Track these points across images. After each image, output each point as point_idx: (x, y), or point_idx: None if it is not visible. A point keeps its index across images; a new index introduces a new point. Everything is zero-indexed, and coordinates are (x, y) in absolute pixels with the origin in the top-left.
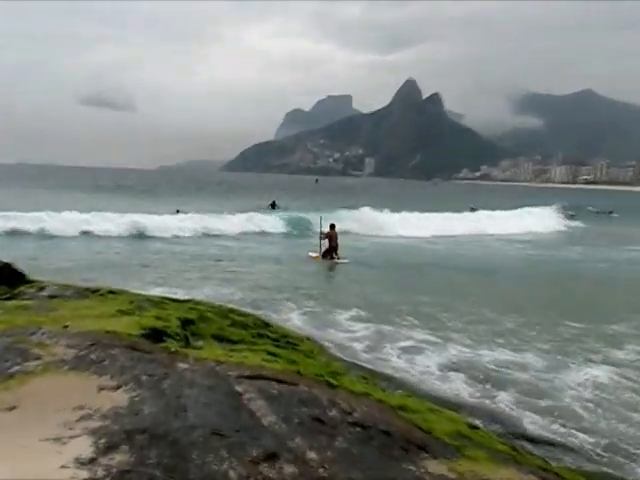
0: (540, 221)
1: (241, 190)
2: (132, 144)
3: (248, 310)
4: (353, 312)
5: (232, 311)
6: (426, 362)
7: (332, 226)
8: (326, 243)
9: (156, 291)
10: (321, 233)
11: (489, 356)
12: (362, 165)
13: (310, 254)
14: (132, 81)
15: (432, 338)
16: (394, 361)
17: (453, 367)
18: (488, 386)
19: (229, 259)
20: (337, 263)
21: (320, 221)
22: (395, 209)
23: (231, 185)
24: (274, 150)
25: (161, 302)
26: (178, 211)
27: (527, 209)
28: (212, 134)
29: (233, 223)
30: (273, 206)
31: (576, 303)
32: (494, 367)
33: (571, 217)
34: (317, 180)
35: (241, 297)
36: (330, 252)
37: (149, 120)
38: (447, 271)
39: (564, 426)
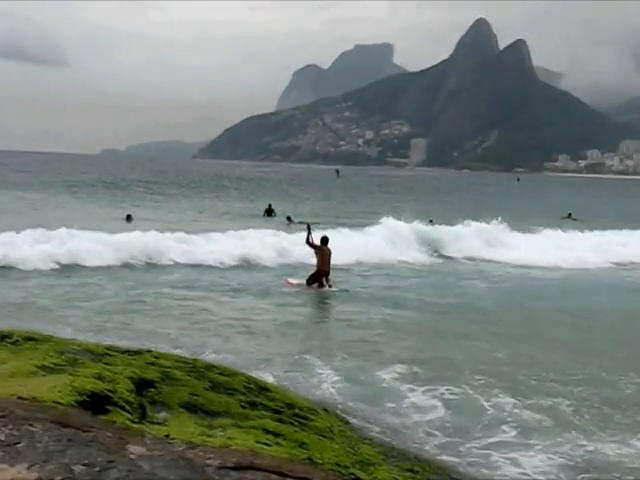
0: None
1: (223, 188)
2: (62, 116)
3: (236, 368)
4: (400, 368)
5: (211, 368)
6: (530, 459)
7: (325, 240)
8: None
9: (96, 339)
10: (309, 241)
11: (621, 450)
12: (408, 149)
13: (290, 280)
14: (61, 23)
15: (525, 414)
16: (478, 454)
17: (573, 468)
18: None
19: (192, 290)
20: (332, 293)
21: (308, 230)
22: (456, 217)
23: (208, 179)
24: (275, 127)
25: (105, 354)
26: (129, 216)
27: None
28: (182, 103)
29: (206, 242)
30: (269, 213)
31: None
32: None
33: None
34: (338, 172)
35: (225, 347)
36: (319, 277)
37: (87, 80)
38: (530, 311)
39: None
